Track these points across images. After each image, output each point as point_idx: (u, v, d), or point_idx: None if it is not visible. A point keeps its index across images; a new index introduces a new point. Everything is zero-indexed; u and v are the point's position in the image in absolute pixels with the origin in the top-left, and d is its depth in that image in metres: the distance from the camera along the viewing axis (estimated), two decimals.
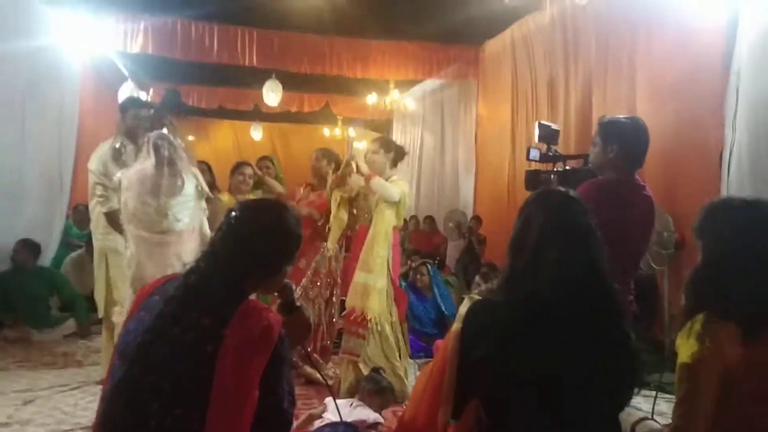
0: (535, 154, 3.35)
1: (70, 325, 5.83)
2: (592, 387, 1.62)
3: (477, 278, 5.96)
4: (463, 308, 1.78)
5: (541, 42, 7.10)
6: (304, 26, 7.99)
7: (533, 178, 3.28)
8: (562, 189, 1.90)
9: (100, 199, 4.23)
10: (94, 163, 4.28)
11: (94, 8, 7.35)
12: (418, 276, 5.93)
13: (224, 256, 1.72)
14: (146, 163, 3.68)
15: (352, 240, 4.50)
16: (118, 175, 3.88)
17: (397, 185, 4.15)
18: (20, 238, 6.01)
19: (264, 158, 5.68)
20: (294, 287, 1.95)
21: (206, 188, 4.04)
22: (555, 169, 3.26)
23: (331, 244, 4.58)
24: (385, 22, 7.77)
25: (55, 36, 7.15)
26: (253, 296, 1.81)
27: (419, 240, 9.32)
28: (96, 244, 4.42)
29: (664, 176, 4.73)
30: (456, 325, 1.76)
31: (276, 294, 1.91)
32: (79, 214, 7.92)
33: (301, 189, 5.01)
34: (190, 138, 16.37)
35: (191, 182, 3.86)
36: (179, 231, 3.70)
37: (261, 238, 1.76)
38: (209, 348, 1.57)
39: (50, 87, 7.42)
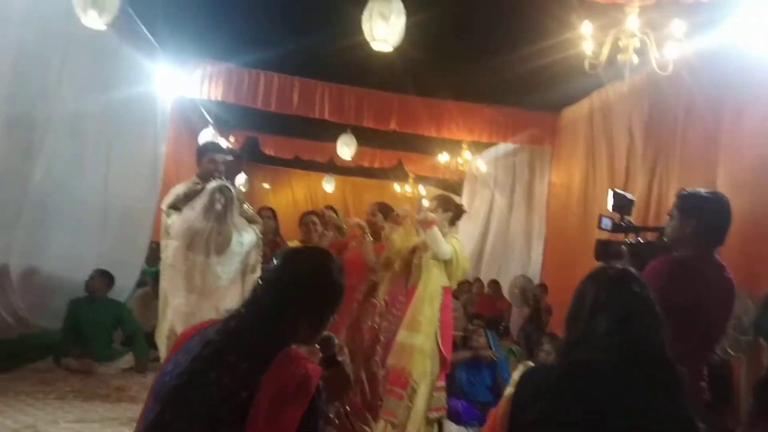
0: (606, 223, 3.19)
1: (129, 359, 5.91)
2: None
3: (543, 348, 5.74)
4: (517, 373, 1.75)
5: (621, 111, 6.96)
6: (380, 84, 8.12)
7: (604, 249, 3.12)
8: (620, 266, 1.89)
9: (168, 236, 4.30)
10: (166, 203, 4.38)
11: (183, 56, 7.69)
12: (475, 337, 5.77)
13: (266, 303, 1.69)
14: (194, 213, 3.72)
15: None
16: (173, 218, 3.94)
17: (451, 243, 4.08)
18: None
19: (327, 207, 5.72)
20: (336, 341, 1.88)
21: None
22: (627, 241, 3.10)
23: (380, 298, 4.51)
24: (461, 84, 7.82)
25: (145, 82, 7.52)
26: None
27: (482, 304, 9.11)
28: (163, 283, 4.47)
29: (745, 257, 4.45)
30: (509, 389, 1.73)
31: (318, 346, 1.84)
32: (151, 252, 8.12)
33: (353, 243, 4.96)
34: (266, 186, 16.85)
35: (245, 236, 3.87)
36: (218, 287, 3.71)
37: (302, 285, 1.73)
38: (244, 394, 1.52)
39: (138, 131, 7.80)
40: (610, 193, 3.18)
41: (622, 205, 3.18)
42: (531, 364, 1.77)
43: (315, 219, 5.34)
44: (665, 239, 2.85)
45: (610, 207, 3.16)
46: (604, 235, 3.24)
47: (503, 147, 10.30)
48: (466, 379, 5.46)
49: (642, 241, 3.11)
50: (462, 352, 5.55)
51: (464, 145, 9.91)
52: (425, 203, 14.92)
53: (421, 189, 15.26)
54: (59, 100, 6.00)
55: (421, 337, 3.98)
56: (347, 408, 1.90)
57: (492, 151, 10.83)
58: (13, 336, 5.68)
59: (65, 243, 6.60)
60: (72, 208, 6.61)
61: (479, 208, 11.11)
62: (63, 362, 5.63)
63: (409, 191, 15.22)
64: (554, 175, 9.03)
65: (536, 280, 8.90)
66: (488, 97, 8.27)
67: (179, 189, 4.45)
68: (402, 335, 4.03)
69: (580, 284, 1.80)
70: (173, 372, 1.61)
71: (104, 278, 6.12)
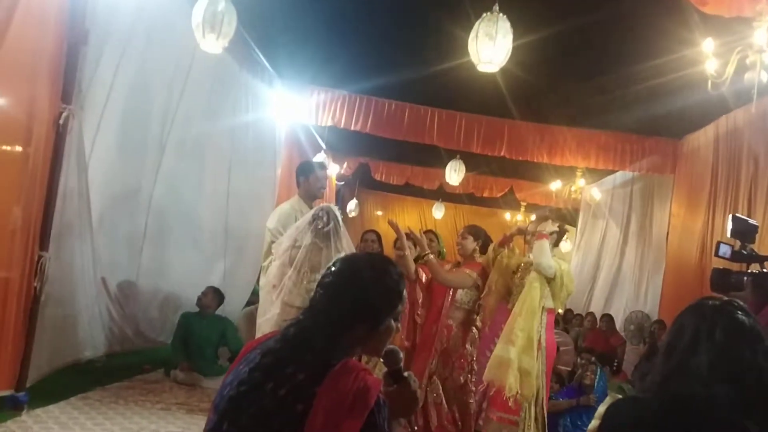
0: (725, 250, 2.89)
1: None
2: None
3: None
4: (603, 407, 1.62)
5: (749, 137, 6.44)
6: (490, 109, 8.01)
7: (721, 278, 2.85)
8: (724, 297, 1.70)
9: (265, 255, 4.37)
10: (271, 222, 4.45)
11: (298, 83, 7.94)
12: (587, 374, 5.46)
13: (322, 310, 1.63)
14: (296, 231, 3.75)
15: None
16: (284, 236, 3.98)
17: (557, 262, 3.93)
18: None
19: (428, 232, 5.62)
20: (401, 355, 1.77)
21: None
22: (749, 271, 2.79)
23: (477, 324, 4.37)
24: (574, 108, 7.56)
25: (263, 107, 7.83)
26: None
27: (595, 339, 8.66)
28: (261, 300, 4.53)
29: None
30: (594, 422, 1.62)
31: (382, 360, 1.75)
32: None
33: (447, 266, 4.82)
34: (378, 213, 17.04)
35: None
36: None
37: (358, 288, 1.65)
38: (299, 407, 1.46)
39: (257, 154, 8.13)
40: (730, 218, 2.89)
41: (744, 231, 2.88)
42: (617, 396, 1.61)
43: (374, 237, 5.36)
44: None
45: (729, 233, 2.87)
46: (722, 264, 2.94)
47: (620, 175, 9.87)
48: (571, 422, 5.18)
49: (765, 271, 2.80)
50: (563, 401, 5.31)
51: (578, 173, 9.56)
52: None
53: (533, 218, 14.88)
54: (181, 122, 6.36)
55: (515, 351, 3.85)
56: (415, 429, 1.77)
57: (608, 180, 10.40)
58: (130, 348, 5.99)
59: (184, 262, 6.95)
60: (191, 228, 6.96)
61: (592, 239, 10.66)
62: (172, 374, 5.84)
63: (520, 220, 14.87)
64: (675, 206, 8.49)
65: (653, 316, 8.37)
66: (603, 122, 7.93)
67: (285, 208, 4.53)
68: (499, 347, 3.92)
69: (678, 317, 1.65)
70: (233, 383, 1.58)
71: (216, 295, 6.34)
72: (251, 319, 6.85)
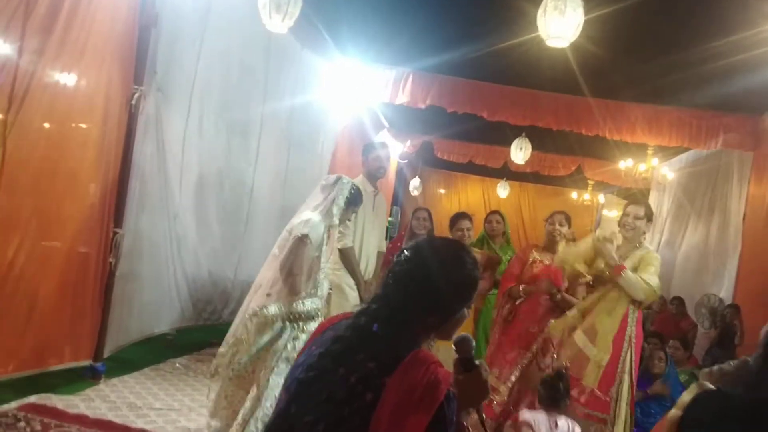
0: None
1: None
2: None
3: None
4: (688, 395, 1.48)
5: None
6: (557, 85, 7.80)
7: None
8: None
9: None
10: None
11: (361, 60, 7.91)
12: (653, 362, 5.31)
13: (395, 297, 1.61)
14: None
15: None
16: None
17: (652, 277, 3.83)
18: None
19: (494, 212, 5.55)
20: (473, 342, 1.73)
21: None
22: None
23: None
24: (645, 84, 7.26)
25: (325, 85, 7.84)
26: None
27: (664, 323, 8.42)
28: None
29: None
30: (675, 412, 1.47)
31: (454, 348, 1.72)
32: None
33: (533, 251, 4.74)
34: (441, 191, 16.96)
35: None
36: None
37: (432, 277, 1.62)
38: (369, 396, 1.45)
39: (316, 133, 8.17)
40: None
41: None
42: (706, 384, 1.49)
43: (425, 215, 5.23)
44: None
45: None
46: None
47: (693, 153, 9.47)
48: (641, 413, 5.06)
49: None
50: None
51: (649, 151, 9.24)
52: (605, 213, 14.22)
53: (601, 198, 14.51)
54: (263, 106, 6.47)
55: (595, 351, 3.83)
56: (484, 416, 1.73)
57: (680, 159, 10.00)
58: (199, 324, 6.17)
59: (263, 246, 7.07)
60: (259, 209, 7.07)
61: (663, 220, 10.31)
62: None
63: (588, 200, 14.55)
64: (754, 186, 8.10)
65: (727, 300, 8.06)
66: (676, 98, 7.60)
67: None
68: (579, 337, 3.86)
69: None
70: (304, 364, 1.60)
71: None
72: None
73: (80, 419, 3.65)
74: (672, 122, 8.02)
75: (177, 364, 5.24)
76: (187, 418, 3.99)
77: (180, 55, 5.07)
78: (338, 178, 3.66)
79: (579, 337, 3.85)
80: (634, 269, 3.91)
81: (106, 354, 4.50)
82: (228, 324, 6.42)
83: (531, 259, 4.66)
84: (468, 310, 1.72)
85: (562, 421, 3.36)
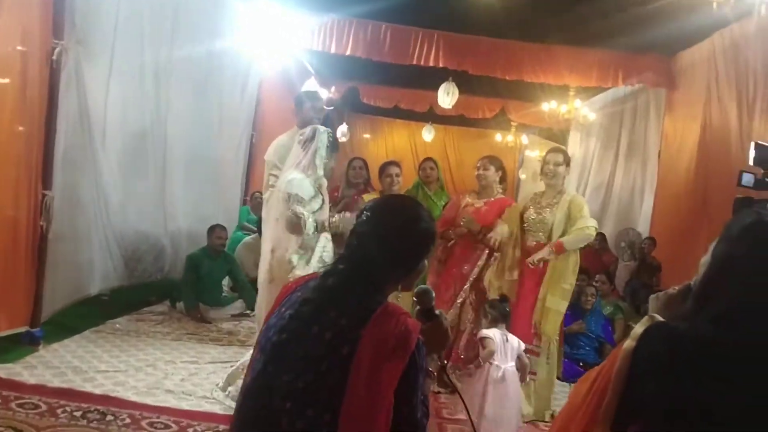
0: (748, 179, 2.86)
1: (238, 305, 6.17)
2: None
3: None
4: (641, 327, 1.55)
5: (747, 53, 6.39)
6: (483, 29, 7.87)
7: (744, 207, 2.83)
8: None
9: (266, 187, 4.35)
10: (269, 155, 4.42)
11: (284, 5, 7.71)
12: (586, 298, 5.61)
13: (359, 257, 1.68)
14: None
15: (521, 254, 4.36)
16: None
17: (588, 220, 4.01)
18: (206, 220, 6.52)
19: (427, 159, 5.63)
20: (433, 294, 1.85)
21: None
22: None
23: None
24: (568, 27, 7.43)
25: (244, 32, 7.62)
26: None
27: (588, 258, 8.74)
28: (266, 232, 4.55)
29: None
30: (629, 343, 1.54)
31: (414, 299, 1.82)
32: (255, 201, 8.42)
33: (467, 197, 4.86)
34: (366, 136, 16.94)
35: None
36: None
37: (394, 234, 1.70)
38: (345, 349, 1.52)
39: (237, 81, 7.98)
40: (752, 146, 2.85)
41: (767, 158, 2.85)
42: (657, 317, 1.55)
43: (361, 164, 5.33)
44: None
45: (750, 160, 2.84)
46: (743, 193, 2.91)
47: (611, 94, 9.81)
48: (570, 345, 5.38)
49: None
50: (574, 325, 5.53)
51: (571, 92, 9.50)
52: (528, 154, 14.59)
53: (524, 139, 14.86)
54: (173, 50, 6.21)
55: (562, 303, 4.09)
56: (445, 361, 1.86)
57: (599, 98, 10.34)
58: (134, 282, 6.06)
59: (186, 196, 6.94)
60: (185, 160, 6.91)
61: (585, 158, 10.71)
62: (178, 306, 5.95)
63: (511, 141, 14.86)
64: (668, 124, 8.50)
65: (644, 234, 8.54)
66: (597, 40, 7.82)
67: (283, 140, 4.47)
68: (552, 300, 4.06)
69: (727, 240, 1.56)
70: (276, 326, 1.64)
71: (224, 233, 6.36)
72: (252, 248, 6.95)
73: (39, 390, 3.57)
74: (593, 63, 8.27)
75: (117, 325, 5.17)
76: (135, 378, 3.95)
77: (97, 3, 4.83)
78: (314, 129, 3.69)
79: (551, 300, 4.06)
80: (567, 215, 4.09)
81: (43, 319, 4.39)
82: (164, 279, 6.45)
83: (464, 204, 4.76)
84: (427, 262, 1.80)
85: (510, 336, 3.70)
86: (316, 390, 1.51)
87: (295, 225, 3.55)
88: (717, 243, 1.59)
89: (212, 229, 6.20)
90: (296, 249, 3.61)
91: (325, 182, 3.88)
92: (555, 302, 4.03)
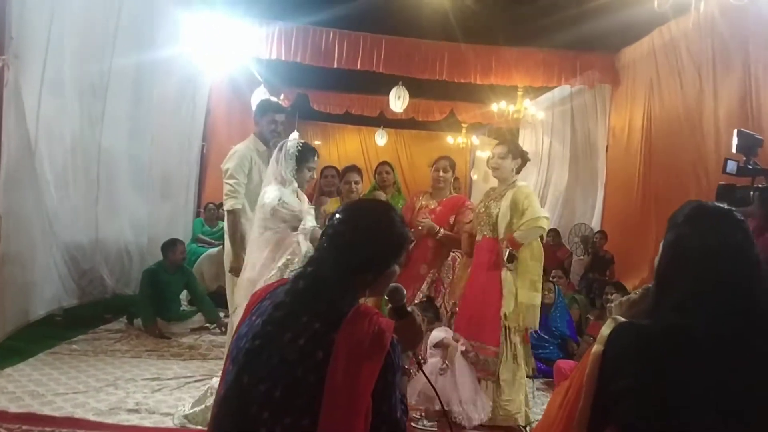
0: (732, 166, 2.91)
1: (198, 319, 6.07)
2: None
3: (609, 298, 5.64)
4: (606, 330, 1.61)
5: (687, 48, 6.61)
6: (430, 33, 7.96)
7: (727, 194, 2.88)
8: (721, 206, 1.66)
9: (225, 196, 4.28)
10: (227, 163, 4.34)
11: (230, 15, 7.66)
12: (545, 293, 5.68)
13: (331, 260, 1.67)
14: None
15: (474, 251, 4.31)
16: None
17: (536, 211, 3.97)
18: (159, 233, 6.39)
19: (383, 164, 5.64)
20: (405, 291, 1.86)
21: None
22: (755, 185, 2.85)
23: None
24: (513, 28, 7.58)
25: (190, 42, 7.53)
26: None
27: (544, 254, 8.97)
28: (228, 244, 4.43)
29: None
30: (597, 347, 1.60)
31: (387, 298, 1.83)
32: (209, 213, 8.31)
33: (420, 198, 4.86)
34: (317, 142, 16.88)
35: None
36: None
37: (366, 238, 1.70)
38: (320, 354, 1.52)
39: (184, 90, 7.87)
40: (735, 133, 2.91)
41: (749, 145, 2.91)
42: (620, 318, 1.62)
43: (334, 173, 5.25)
44: None
45: (734, 148, 2.90)
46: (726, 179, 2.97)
47: (559, 92, 10.03)
48: (534, 342, 5.42)
49: None
50: None
51: (519, 92, 9.66)
52: (479, 155, 14.76)
53: (474, 139, 15.04)
54: (113, 61, 6.07)
55: (538, 296, 4.03)
56: (420, 357, 1.87)
57: (547, 97, 10.56)
58: (88, 300, 5.90)
59: (131, 208, 6.81)
60: (131, 173, 6.77)
61: (536, 156, 10.90)
62: (136, 323, 5.82)
63: (462, 142, 15.02)
64: (614, 119, 8.74)
65: (596, 228, 8.74)
66: (542, 40, 7.99)
67: (240, 148, 4.41)
68: (532, 296, 4.00)
69: (677, 229, 1.62)
70: (248, 335, 1.62)
71: (183, 247, 6.25)
72: (213, 261, 6.87)
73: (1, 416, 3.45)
74: (538, 63, 8.45)
75: (73, 346, 5.02)
76: (95, 399, 3.84)
77: (30, 15, 4.69)
78: (282, 144, 3.64)
79: (525, 295, 4.03)
80: (512, 206, 4.01)
81: None
82: (118, 296, 6.30)
83: (418, 206, 4.75)
84: (398, 266, 1.80)
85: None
86: (294, 396, 1.50)
87: (315, 238, 3.43)
88: (665, 236, 1.65)
89: (173, 244, 6.08)
90: (279, 267, 3.52)
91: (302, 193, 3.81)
92: (528, 296, 3.99)
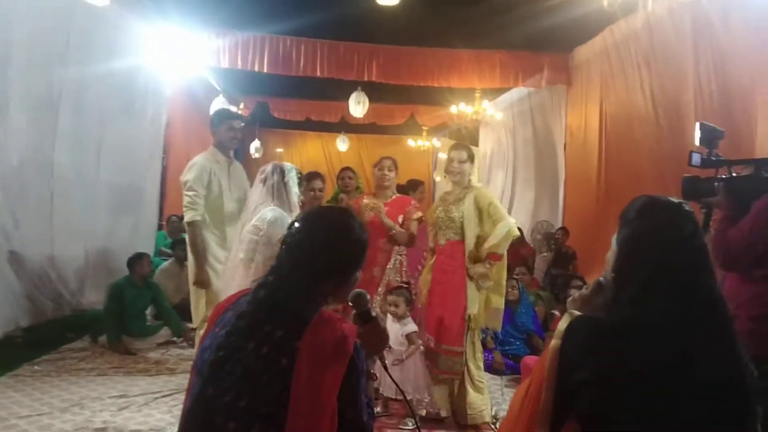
0: (697, 159, 2.97)
1: (164, 333, 6.00)
2: (700, 429, 1.48)
3: (571, 293, 5.73)
4: (563, 324, 1.65)
5: (638, 46, 6.76)
6: (387, 38, 8.02)
7: (693, 186, 2.92)
8: (671, 198, 1.72)
9: (185, 209, 4.25)
10: (186, 175, 4.32)
11: (186, 26, 7.62)
12: (509, 290, 5.76)
13: (292, 268, 1.67)
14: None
15: (436, 254, 4.30)
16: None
17: (503, 216, 4.03)
18: (120, 248, 6.26)
19: (345, 169, 5.66)
20: (368, 296, 1.86)
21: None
22: (718, 176, 2.93)
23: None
24: (469, 30, 7.67)
25: (149, 54, 7.45)
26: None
27: (507, 252, 9.08)
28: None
29: None
30: (555, 342, 1.63)
31: (350, 304, 1.84)
32: (172, 225, 8.22)
33: (365, 199, 4.78)
34: (279, 150, 16.84)
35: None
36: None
37: (326, 245, 1.70)
38: (284, 361, 1.52)
39: (142, 102, 7.77)
40: (697, 126, 2.96)
41: (711, 137, 2.98)
42: (575, 312, 1.67)
43: (321, 186, 5.07)
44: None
45: (697, 141, 2.96)
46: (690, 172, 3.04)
47: (517, 92, 10.17)
48: (501, 339, 5.49)
49: (736, 175, 2.93)
50: None
51: (477, 94, 9.78)
52: (442, 156, 14.87)
53: (436, 141, 15.15)
54: (67, 71, 5.96)
55: (503, 300, 4.16)
56: (385, 361, 1.89)
57: (506, 98, 10.69)
58: (52, 317, 5.78)
59: (88, 224, 6.68)
60: (86, 187, 6.64)
61: (497, 157, 11.03)
62: (100, 341, 5.72)
63: (424, 145, 15.12)
64: (571, 118, 8.90)
65: (557, 224, 8.88)
66: (497, 42, 8.10)
67: (199, 160, 4.38)
68: (498, 301, 4.11)
69: (631, 222, 1.67)
70: (212, 346, 1.62)
71: (148, 259, 6.17)
72: (170, 274, 6.79)
73: None
74: (495, 64, 8.57)
75: (35, 367, 4.92)
76: (61, 420, 3.78)
77: None
78: (276, 167, 3.55)
79: (496, 300, 4.11)
80: (475, 209, 4.05)
81: None
82: (80, 313, 6.18)
83: (364, 207, 4.67)
84: (360, 273, 1.82)
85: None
86: (259, 405, 1.51)
87: None
88: (618, 232, 1.69)
89: (139, 258, 6.00)
90: None
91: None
92: (499, 301, 4.09)
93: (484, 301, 4.10)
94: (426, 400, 4.04)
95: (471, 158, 4.18)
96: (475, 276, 4.01)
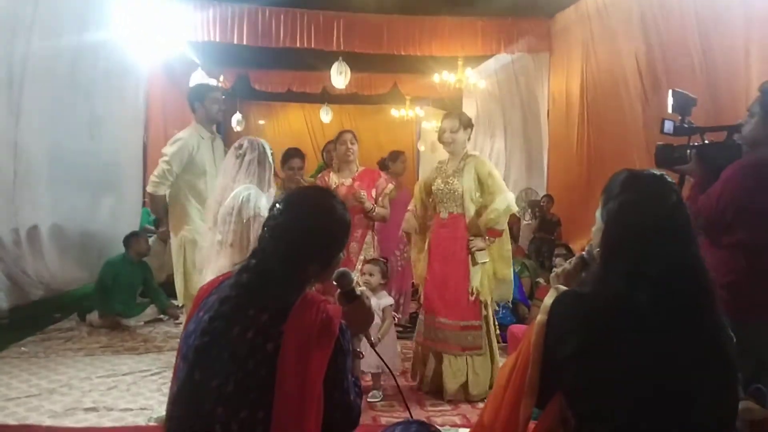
0: (669, 126, 2.95)
1: (151, 312, 5.99)
2: (686, 401, 1.50)
3: (556, 262, 5.77)
4: (549, 299, 1.64)
5: (621, 9, 6.71)
6: (368, 7, 7.92)
7: (666, 154, 2.90)
8: (653, 171, 1.70)
9: (154, 179, 4.18)
10: (169, 149, 4.21)
11: None
12: None
13: (274, 251, 1.65)
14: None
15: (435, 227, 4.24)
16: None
17: (502, 188, 4.01)
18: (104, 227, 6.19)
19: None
20: (353, 275, 1.87)
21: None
22: (691, 144, 2.93)
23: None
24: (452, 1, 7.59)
25: (124, 27, 7.27)
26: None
27: None
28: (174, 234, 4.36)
29: None
30: (541, 317, 1.62)
31: (335, 283, 1.83)
32: None
33: (331, 176, 4.60)
34: (261, 122, 16.68)
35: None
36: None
37: (308, 227, 1.69)
38: (270, 346, 1.52)
39: (119, 77, 7.59)
40: (670, 94, 2.95)
41: (684, 105, 2.96)
42: (561, 287, 1.67)
43: (300, 164, 4.99)
44: (741, 139, 2.72)
45: (670, 108, 2.94)
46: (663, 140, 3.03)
47: (500, 59, 10.10)
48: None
49: (709, 142, 2.91)
50: None
51: (460, 61, 9.70)
52: (425, 126, 14.81)
53: (419, 111, 15.06)
54: (33, 46, 5.66)
55: (511, 271, 4.14)
56: (372, 339, 1.90)
57: (489, 65, 10.62)
58: (36, 298, 5.73)
59: (65, 202, 6.54)
60: (61, 164, 6.47)
61: (481, 125, 10.99)
62: (87, 319, 5.70)
63: (407, 114, 15.03)
64: (553, 84, 8.87)
65: (542, 192, 8.91)
66: (479, 9, 8.02)
67: (183, 136, 4.31)
68: (503, 271, 4.09)
69: (615, 196, 1.64)
70: (196, 331, 1.61)
71: (145, 238, 6.15)
72: (152, 253, 6.71)
73: None
74: (477, 32, 8.51)
75: (23, 348, 4.90)
76: (50, 401, 3.77)
77: None
78: (253, 142, 3.44)
79: (503, 271, 4.10)
80: (475, 180, 4.02)
81: None
82: (65, 294, 6.12)
83: (333, 185, 4.50)
84: (343, 254, 1.81)
85: None
86: (246, 390, 1.51)
87: None
88: (602, 207, 1.68)
89: (135, 236, 6.04)
90: None
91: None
92: (506, 272, 4.09)
93: (492, 272, 4.08)
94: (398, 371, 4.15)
95: (465, 125, 4.11)
96: (473, 249, 3.99)
